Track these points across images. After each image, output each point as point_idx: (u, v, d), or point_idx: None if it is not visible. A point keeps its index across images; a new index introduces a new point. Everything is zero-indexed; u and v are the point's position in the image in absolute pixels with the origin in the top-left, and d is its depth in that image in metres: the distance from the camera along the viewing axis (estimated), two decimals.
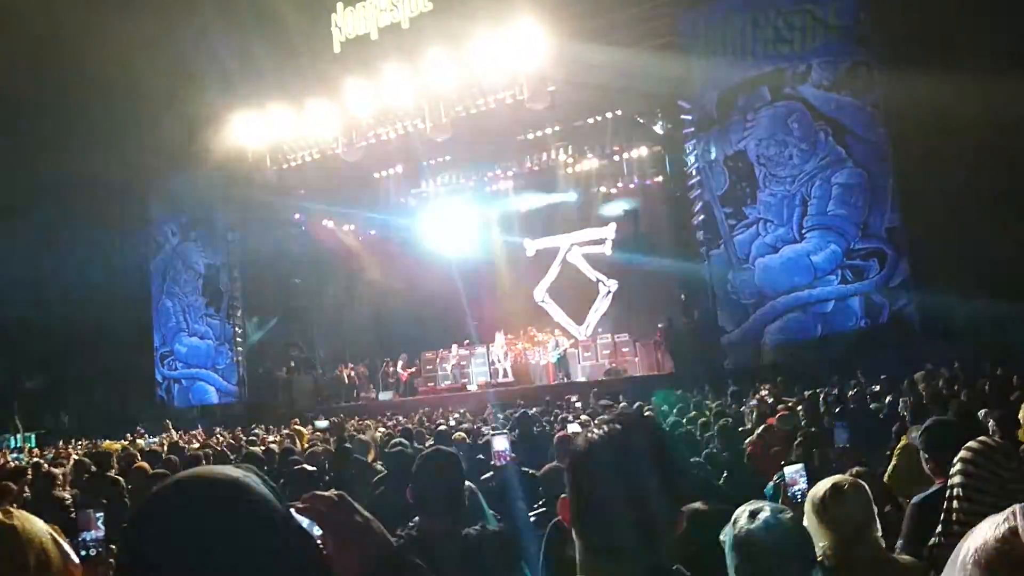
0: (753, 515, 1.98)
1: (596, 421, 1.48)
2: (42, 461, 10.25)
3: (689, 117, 17.04)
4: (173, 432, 16.09)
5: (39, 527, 1.39)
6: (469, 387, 20.52)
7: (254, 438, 11.79)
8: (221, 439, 12.83)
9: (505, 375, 20.34)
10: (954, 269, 14.24)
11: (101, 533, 2.01)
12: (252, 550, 0.91)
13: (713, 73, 16.44)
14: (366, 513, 1.21)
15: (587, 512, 1.38)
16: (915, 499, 3.35)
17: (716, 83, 16.55)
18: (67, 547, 1.43)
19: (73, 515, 5.36)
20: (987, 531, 1.14)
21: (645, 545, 1.34)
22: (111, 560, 2.00)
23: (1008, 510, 1.17)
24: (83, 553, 1.84)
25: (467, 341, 21.63)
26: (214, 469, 1.02)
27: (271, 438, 12.10)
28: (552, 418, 10.70)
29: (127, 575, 0.91)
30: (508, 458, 4.66)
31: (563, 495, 1.45)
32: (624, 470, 1.35)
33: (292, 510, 1.05)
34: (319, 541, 1.12)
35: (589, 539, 1.39)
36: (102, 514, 2.04)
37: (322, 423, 13.35)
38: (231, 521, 0.92)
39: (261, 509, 0.95)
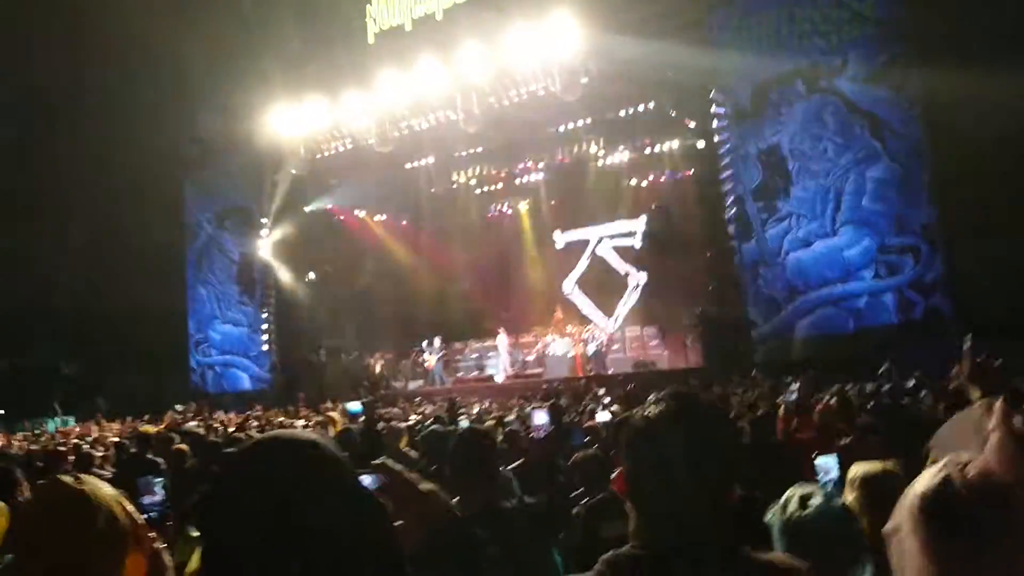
0: (804, 500, 1.98)
1: (653, 399, 1.57)
2: (81, 442, 10.49)
3: (722, 110, 16.90)
4: (213, 419, 16.34)
5: (107, 492, 1.51)
6: (496, 378, 20.61)
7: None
8: (256, 423, 13.00)
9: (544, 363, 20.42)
10: (990, 266, 14.00)
11: (160, 498, 2.11)
12: (332, 500, 0.99)
13: (747, 66, 16.26)
14: (431, 485, 1.28)
15: (643, 483, 1.48)
16: None
17: (750, 76, 16.37)
18: (133, 510, 1.54)
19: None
20: (927, 479, 1.27)
21: (698, 515, 1.42)
22: (171, 522, 2.11)
23: (943, 461, 1.28)
24: (145, 516, 1.95)
25: (497, 332, 21.71)
26: (294, 431, 1.11)
27: (300, 423, 12.25)
28: (581, 408, 10.71)
29: (214, 530, 0.97)
30: (547, 430, 4.77)
31: (619, 469, 1.54)
32: (679, 443, 1.43)
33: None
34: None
35: (643, 508, 1.48)
36: (161, 480, 2.14)
37: (354, 405, 13.45)
38: (314, 474, 1.00)
39: (338, 467, 1.03)
